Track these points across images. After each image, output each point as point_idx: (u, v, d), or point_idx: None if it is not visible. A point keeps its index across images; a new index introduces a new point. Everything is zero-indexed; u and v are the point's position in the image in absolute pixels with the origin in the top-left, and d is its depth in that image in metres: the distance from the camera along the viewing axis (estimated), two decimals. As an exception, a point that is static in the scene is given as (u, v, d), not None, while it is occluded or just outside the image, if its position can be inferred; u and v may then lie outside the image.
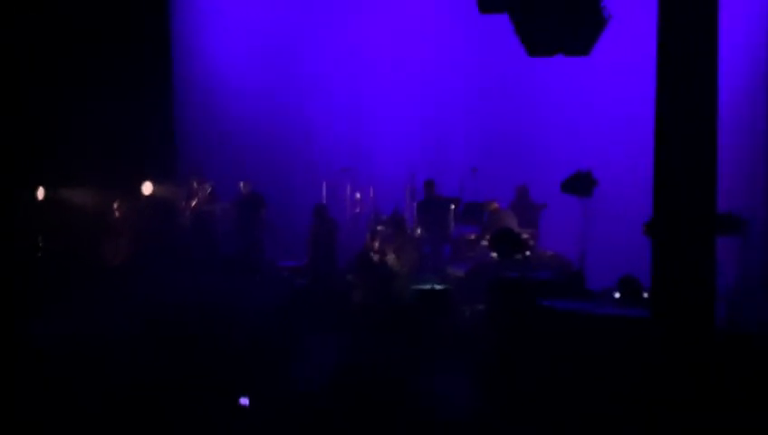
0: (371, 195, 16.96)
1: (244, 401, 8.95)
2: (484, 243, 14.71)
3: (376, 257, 14.34)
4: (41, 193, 15.44)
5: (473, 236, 15.56)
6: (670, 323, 6.96)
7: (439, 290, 13.08)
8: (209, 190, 16.97)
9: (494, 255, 13.77)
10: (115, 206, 15.90)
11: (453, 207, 16.11)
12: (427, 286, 13.17)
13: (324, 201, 16.94)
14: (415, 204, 16.49)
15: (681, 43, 6.92)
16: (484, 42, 17.20)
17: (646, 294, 10.00)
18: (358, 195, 17.22)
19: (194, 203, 16.88)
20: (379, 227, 15.97)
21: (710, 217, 7.02)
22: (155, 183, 16.50)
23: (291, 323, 12.23)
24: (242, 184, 16.95)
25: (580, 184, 12.53)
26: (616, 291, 10.51)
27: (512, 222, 14.93)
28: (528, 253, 13.65)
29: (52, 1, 15.35)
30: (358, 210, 17.25)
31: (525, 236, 14.27)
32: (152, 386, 9.39)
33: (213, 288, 13.66)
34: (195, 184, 16.97)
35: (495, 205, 15.49)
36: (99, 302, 12.74)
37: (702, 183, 6.95)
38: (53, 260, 15.00)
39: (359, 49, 18.87)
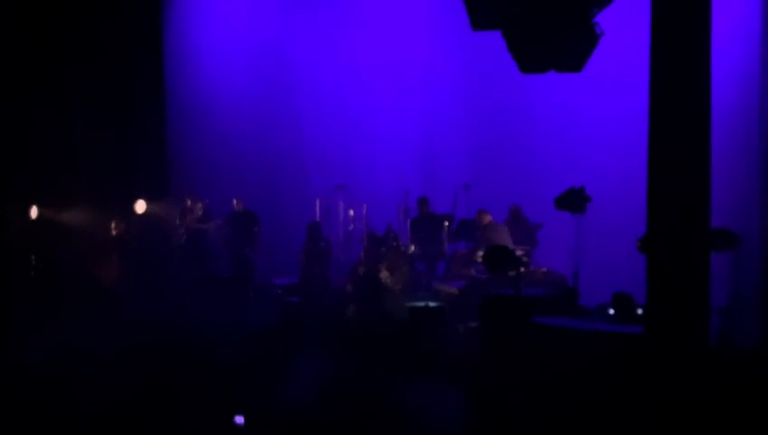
0: (365, 212, 16.93)
1: (240, 419, 8.92)
2: (478, 259, 14.69)
3: (366, 273, 14.32)
4: (34, 212, 15.41)
5: (465, 251, 15.53)
6: (664, 339, 6.94)
7: (433, 307, 13.06)
8: (203, 208, 16.95)
9: (484, 270, 13.75)
10: (112, 225, 15.86)
11: (446, 224, 16.11)
12: (421, 304, 13.14)
13: (318, 218, 16.93)
14: (408, 221, 16.47)
15: (673, 58, 6.92)
16: (476, 59, 17.19)
17: (640, 311, 9.98)
18: (351, 212, 17.19)
19: (188, 221, 16.85)
20: (371, 245, 15.96)
21: (704, 233, 7.00)
22: (148, 201, 16.48)
23: (283, 340, 12.20)
24: (235, 201, 16.94)
25: (574, 200, 12.50)
26: (610, 307, 10.48)
27: (505, 237, 14.91)
28: (522, 269, 13.63)
29: (47, 21, 15.33)
30: (351, 227, 17.23)
31: (519, 252, 14.25)
32: (144, 405, 9.36)
33: (205, 306, 13.64)
34: (189, 202, 16.95)
35: (488, 217, 15.46)
36: (91, 320, 12.71)
37: (696, 199, 6.94)
38: (46, 278, 14.96)
39: (352, 66, 18.87)
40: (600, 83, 15.58)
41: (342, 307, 14.04)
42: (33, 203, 15.47)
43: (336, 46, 18.89)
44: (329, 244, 16.14)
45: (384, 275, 13.62)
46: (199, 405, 9.32)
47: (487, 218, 15.51)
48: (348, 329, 13.15)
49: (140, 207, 16.38)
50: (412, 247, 15.91)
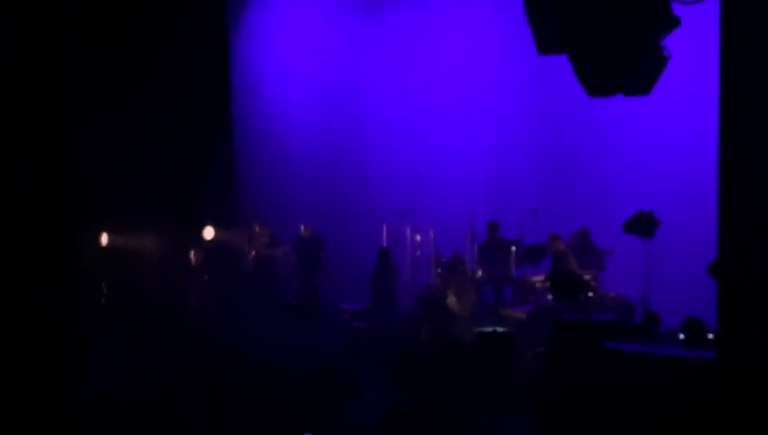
0: (431, 237, 16.92)
1: None
2: (546, 285, 14.63)
3: (434, 298, 14.33)
4: (104, 239, 15.58)
5: (541, 278, 15.42)
6: (737, 364, 6.85)
7: (501, 332, 13.01)
8: (270, 234, 17.04)
9: (551, 297, 13.69)
10: (192, 252, 15.94)
11: (513, 248, 16.05)
12: (489, 329, 13.10)
13: (385, 243, 16.97)
14: (476, 246, 16.43)
15: (743, 81, 6.85)
16: (542, 82, 17.16)
17: (711, 336, 9.86)
18: (418, 237, 17.19)
19: (255, 247, 16.95)
20: (439, 270, 15.96)
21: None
22: (216, 228, 16.60)
23: (350, 365, 12.22)
24: (302, 227, 17.02)
25: (643, 225, 12.41)
26: (680, 332, 10.37)
27: (572, 263, 14.84)
28: (590, 294, 13.52)
29: (115, 50, 15.50)
30: (418, 253, 17.23)
31: (587, 277, 14.15)
32: (216, 429, 9.42)
33: (274, 332, 13.72)
34: (256, 228, 17.06)
35: (560, 244, 15.40)
36: (162, 347, 12.84)
37: (767, 222, 6.85)
38: (118, 306, 15.10)
39: (419, 91, 18.94)
40: (669, 107, 15.47)
41: (411, 332, 14.02)
42: (104, 230, 15.63)
43: (403, 71, 18.97)
44: (397, 270, 16.16)
45: (451, 300, 13.60)
46: (268, 429, 9.37)
47: (559, 244, 15.44)
48: (416, 355, 13.13)
49: (209, 233, 16.49)
50: (479, 272, 15.87)
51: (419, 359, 12.91)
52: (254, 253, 16.96)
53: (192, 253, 15.88)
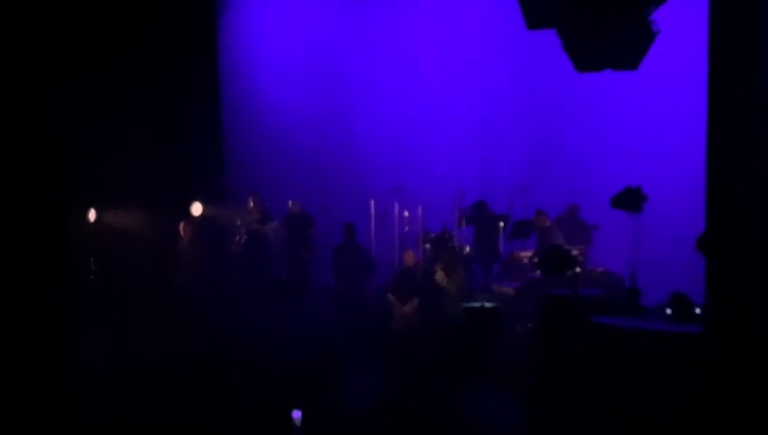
0: (420, 213, 16.92)
1: (297, 414, 8.96)
2: (534, 260, 14.66)
3: (422, 275, 14.32)
4: (92, 215, 15.51)
5: (529, 254, 15.46)
6: (725, 338, 6.88)
7: (489, 308, 13.02)
8: (263, 211, 16.98)
9: (539, 272, 13.72)
10: (182, 227, 15.87)
11: (501, 224, 16.07)
12: (477, 304, 13.11)
13: (373, 220, 16.97)
14: (464, 221, 16.43)
15: (732, 54, 6.86)
16: (531, 58, 17.15)
17: (698, 311, 9.89)
18: (406, 214, 17.18)
19: (248, 223, 16.89)
20: (427, 245, 15.96)
21: (764, 231, 6.93)
22: (204, 204, 16.53)
23: (337, 343, 12.23)
24: (290, 203, 16.97)
25: (630, 200, 12.40)
26: (667, 307, 10.39)
27: (559, 239, 14.88)
28: (578, 269, 13.55)
29: (103, 23, 15.39)
30: (406, 229, 17.22)
31: (575, 252, 14.18)
32: (204, 405, 9.43)
33: (263, 309, 13.72)
34: (251, 203, 16.99)
35: (546, 220, 15.45)
36: (150, 324, 12.83)
37: (755, 199, 6.87)
38: (105, 282, 15.06)
39: (408, 67, 18.91)
40: (657, 81, 15.47)
41: (380, 310, 14.00)
42: (91, 206, 15.56)
43: (391, 48, 18.93)
44: (363, 247, 16.14)
45: (440, 276, 13.58)
46: (255, 406, 9.38)
47: (545, 220, 15.48)
48: (403, 330, 13.15)
49: (196, 209, 16.43)
50: (467, 248, 15.88)
51: (407, 335, 12.94)
52: (246, 228, 16.87)
53: (181, 228, 15.79)
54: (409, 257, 14.82)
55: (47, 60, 6.85)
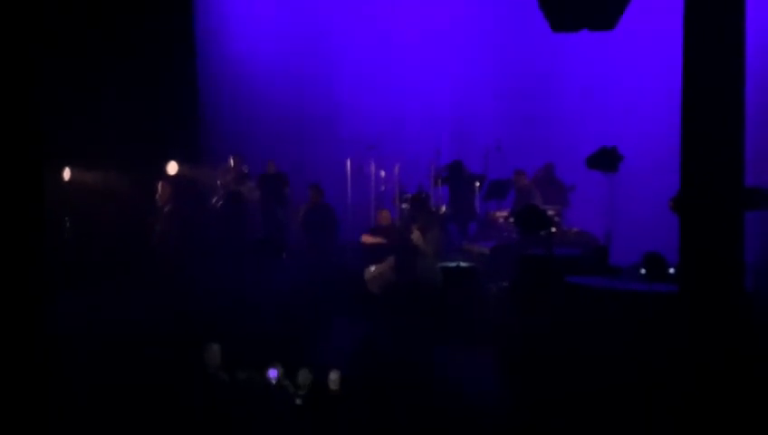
0: (396, 172, 16.92)
1: (273, 373, 9.00)
2: (510, 220, 14.70)
3: (398, 235, 14.34)
4: (67, 174, 15.39)
5: (505, 214, 15.50)
6: (699, 297, 6.92)
7: (465, 267, 13.06)
8: (244, 171, 16.94)
9: (515, 232, 13.78)
10: (159, 187, 15.79)
11: (478, 184, 16.10)
12: (453, 264, 13.14)
13: (349, 179, 16.97)
14: (440, 180, 16.45)
15: (708, 13, 6.85)
16: (507, 17, 17.13)
17: (671, 270, 9.96)
18: (382, 173, 17.17)
19: (226, 182, 16.84)
20: (403, 205, 15.97)
21: (738, 192, 6.95)
22: (180, 163, 16.45)
23: (314, 302, 12.24)
24: (268, 163, 16.92)
25: (606, 160, 12.46)
26: (641, 267, 10.47)
27: (537, 199, 14.92)
28: (554, 229, 13.60)
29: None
30: (383, 188, 17.22)
31: (551, 212, 14.23)
32: (179, 367, 9.43)
33: (239, 269, 13.71)
34: (231, 162, 16.93)
35: (524, 179, 15.49)
36: (126, 285, 12.80)
37: (729, 157, 6.88)
38: (80, 242, 14.98)
39: (384, 27, 18.86)
40: (633, 42, 15.47)
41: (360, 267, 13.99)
42: (66, 165, 15.44)
43: (366, 7, 18.85)
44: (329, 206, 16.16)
45: (416, 236, 13.59)
46: (232, 362, 9.39)
47: (524, 179, 15.52)
48: (378, 291, 13.15)
49: (172, 168, 16.34)
50: (443, 208, 15.90)
51: (384, 295, 12.94)
52: (224, 188, 16.82)
53: (159, 187, 15.73)
54: (385, 217, 14.85)
55: (21, 17, 6.76)
